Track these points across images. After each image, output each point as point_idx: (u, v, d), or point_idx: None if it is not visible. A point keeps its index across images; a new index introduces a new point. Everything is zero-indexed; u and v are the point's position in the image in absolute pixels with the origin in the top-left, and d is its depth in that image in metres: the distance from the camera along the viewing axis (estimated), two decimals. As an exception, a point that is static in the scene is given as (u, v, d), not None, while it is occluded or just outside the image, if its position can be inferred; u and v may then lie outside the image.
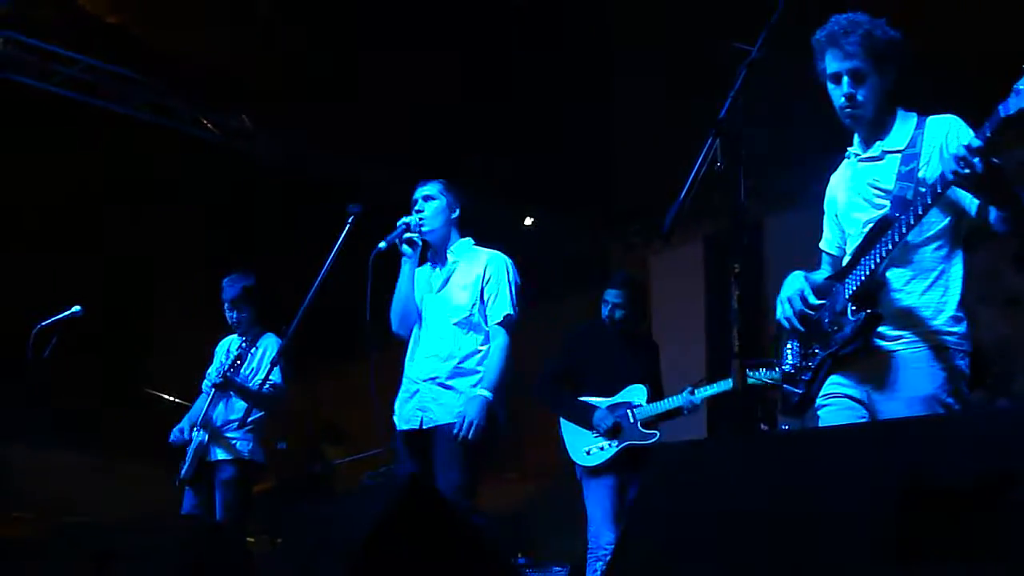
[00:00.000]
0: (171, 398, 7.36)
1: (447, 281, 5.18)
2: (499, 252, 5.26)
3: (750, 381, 6.46)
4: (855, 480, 2.04)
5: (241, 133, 9.35)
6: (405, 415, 5.07)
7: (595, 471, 6.16)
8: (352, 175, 9.47)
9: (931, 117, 3.57)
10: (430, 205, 5.20)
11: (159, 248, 9.97)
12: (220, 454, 6.40)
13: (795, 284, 3.71)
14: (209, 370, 6.76)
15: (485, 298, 5.10)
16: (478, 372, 5.00)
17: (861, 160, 3.66)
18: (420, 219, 5.15)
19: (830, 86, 3.59)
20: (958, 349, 3.44)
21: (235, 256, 7.60)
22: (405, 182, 9.61)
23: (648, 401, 6.30)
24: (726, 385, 6.24)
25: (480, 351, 5.05)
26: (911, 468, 1.95)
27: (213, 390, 6.39)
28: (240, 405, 6.34)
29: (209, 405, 6.41)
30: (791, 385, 3.75)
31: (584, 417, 6.26)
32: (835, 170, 3.87)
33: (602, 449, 6.19)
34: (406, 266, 5.18)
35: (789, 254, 9.10)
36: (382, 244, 5.06)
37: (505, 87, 8.39)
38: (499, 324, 5.07)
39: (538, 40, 7.82)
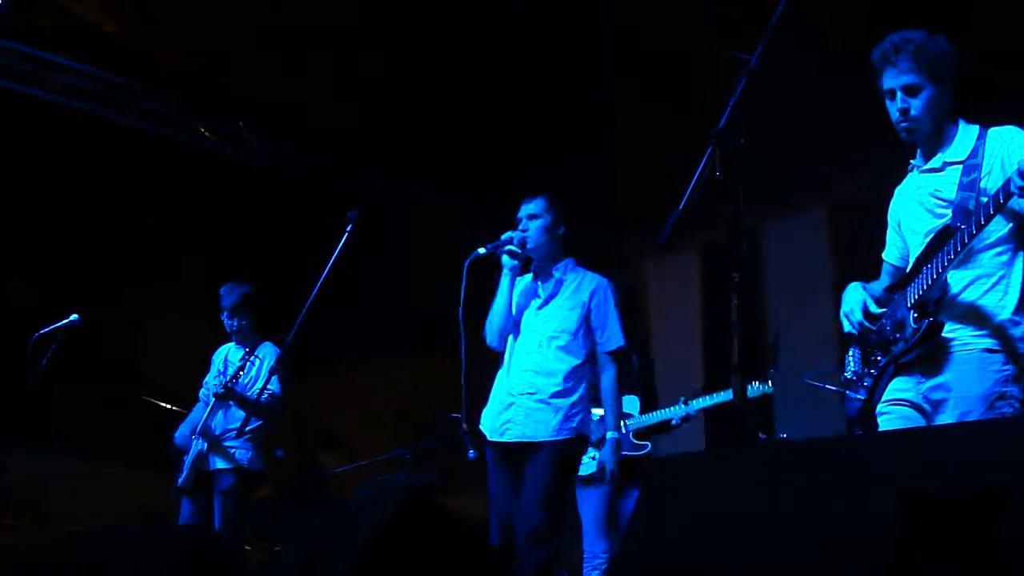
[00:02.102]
0: (168, 406, 7.35)
1: (551, 299, 5.16)
2: (601, 276, 5.27)
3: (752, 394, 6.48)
4: (853, 491, 2.05)
5: (236, 140, 9.35)
6: (497, 427, 5.06)
7: (587, 480, 6.10)
8: (350, 181, 9.47)
9: (992, 128, 3.59)
10: (534, 224, 5.19)
11: (155, 255, 9.97)
12: (219, 463, 6.39)
13: (856, 296, 3.79)
14: (207, 378, 6.75)
15: (592, 324, 5.10)
16: (574, 391, 5.00)
17: (922, 171, 3.69)
18: (524, 237, 5.15)
19: (887, 102, 3.62)
20: (1016, 351, 3.44)
21: (232, 263, 7.61)
22: (403, 187, 9.75)
23: (641, 412, 6.30)
24: (722, 397, 6.24)
25: (577, 372, 5.04)
26: (907, 479, 1.95)
27: (213, 399, 6.39)
28: (239, 414, 6.34)
29: (208, 415, 6.40)
30: (852, 391, 3.83)
31: None
32: (900, 183, 3.88)
33: (593, 459, 6.16)
34: (505, 280, 5.18)
35: (786, 262, 9.21)
36: (482, 250, 5.08)
37: (504, 94, 8.40)
38: (610, 354, 5.11)
39: (537, 48, 7.83)
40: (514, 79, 8.19)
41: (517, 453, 4.96)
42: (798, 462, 2.29)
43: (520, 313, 5.19)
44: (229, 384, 6.30)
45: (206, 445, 6.39)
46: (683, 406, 6.21)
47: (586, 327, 5.09)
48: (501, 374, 5.19)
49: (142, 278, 10.07)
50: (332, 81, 8.49)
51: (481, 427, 5.14)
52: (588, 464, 6.13)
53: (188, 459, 6.38)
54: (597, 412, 6.30)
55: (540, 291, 5.20)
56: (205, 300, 6.94)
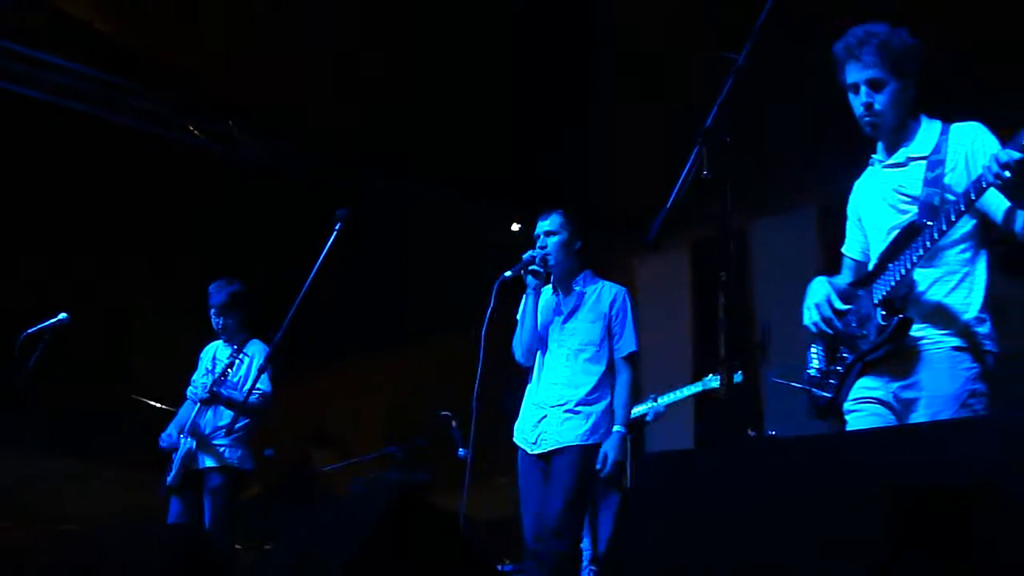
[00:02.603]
0: (158, 404, 7.35)
1: (574, 313, 5.36)
2: (620, 286, 5.48)
3: (705, 387, 6.60)
4: (840, 488, 2.06)
5: (227, 139, 9.33)
6: (531, 438, 5.26)
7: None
8: (340, 179, 9.46)
9: (955, 124, 3.59)
10: (552, 240, 5.38)
11: (145, 253, 9.96)
12: (208, 462, 6.38)
13: (821, 290, 3.75)
14: (194, 376, 6.74)
15: (613, 332, 5.31)
16: (601, 399, 5.22)
17: (885, 166, 3.70)
18: (544, 254, 5.33)
19: (850, 96, 3.63)
20: (982, 349, 3.47)
21: (223, 262, 7.60)
22: (395, 185, 9.74)
23: None
24: (689, 390, 6.38)
25: (603, 381, 5.26)
26: (895, 476, 1.97)
27: (199, 401, 6.38)
28: (228, 413, 6.34)
29: (197, 413, 6.40)
30: (819, 389, 3.81)
31: None
32: (858, 177, 3.90)
33: None
34: (530, 299, 5.38)
35: (774, 260, 9.22)
36: (507, 273, 5.29)
37: (491, 93, 8.40)
38: (625, 359, 5.31)
39: (523, 45, 7.83)
40: (498, 78, 8.19)
41: (549, 457, 5.19)
42: (786, 459, 2.31)
43: (545, 328, 5.39)
44: (214, 388, 6.29)
45: (195, 444, 6.38)
46: (653, 403, 6.32)
47: (608, 336, 5.31)
48: (531, 387, 5.41)
49: (133, 276, 10.06)
50: (324, 80, 8.48)
51: (515, 439, 5.36)
52: None
53: (177, 458, 6.37)
54: None
55: (563, 306, 5.41)
56: (195, 299, 6.94)
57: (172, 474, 6.37)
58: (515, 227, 10.61)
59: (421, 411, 9.12)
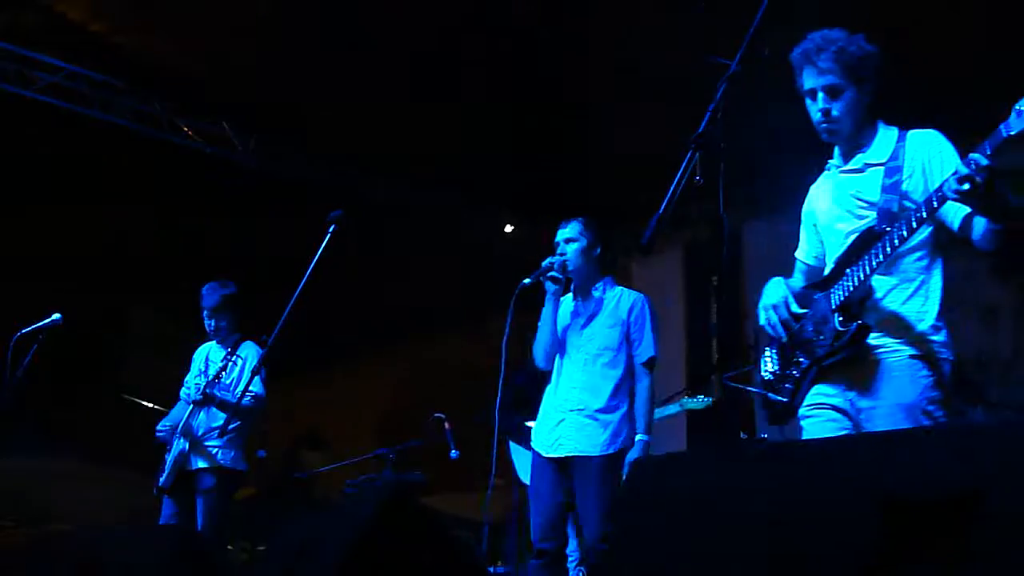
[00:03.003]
0: (150, 405, 7.34)
1: (593, 318, 5.41)
2: (639, 292, 5.55)
3: (684, 407, 6.67)
4: (832, 492, 2.07)
5: (221, 139, 9.34)
6: (548, 442, 5.30)
7: None
8: (334, 181, 9.47)
9: (912, 131, 3.60)
10: (571, 247, 5.44)
11: (137, 254, 9.96)
12: (201, 463, 6.37)
13: (778, 291, 3.75)
14: (187, 377, 6.74)
15: (631, 338, 5.36)
16: (619, 407, 5.26)
17: (842, 172, 3.69)
18: (563, 261, 5.38)
19: (807, 102, 3.62)
20: (940, 357, 3.47)
21: (217, 263, 7.60)
22: (389, 187, 9.75)
23: None
24: (669, 410, 6.50)
25: (621, 386, 5.31)
26: (886, 481, 1.97)
27: (191, 403, 6.38)
28: (221, 414, 6.33)
29: (190, 414, 6.39)
30: (773, 393, 3.78)
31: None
32: (814, 182, 3.89)
33: None
34: (549, 304, 5.42)
35: (767, 262, 9.22)
36: (527, 280, 5.31)
37: (486, 93, 8.41)
38: (644, 365, 5.35)
39: (517, 47, 7.85)
40: (493, 79, 8.20)
41: (567, 464, 5.22)
42: (777, 463, 2.31)
43: (564, 333, 5.44)
44: (207, 390, 6.28)
45: (188, 445, 6.38)
46: None
47: (626, 342, 5.36)
48: (549, 391, 5.46)
49: (125, 277, 10.06)
50: (319, 81, 8.48)
51: (532, 443, 5.42)
52: None
53: (170, 458, 6.37)
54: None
55: (582, 311, 5.46)
56: (188, 299, 6.94)
57: (164, 475, 6.36)
58: (508, 229, 10.64)
59: (414, 412, 9.13)
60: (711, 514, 2.29)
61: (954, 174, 3.07)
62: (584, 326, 5.40)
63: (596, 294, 5.46)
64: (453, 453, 7.44)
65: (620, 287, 5.55)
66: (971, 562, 1.75)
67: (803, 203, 3.96)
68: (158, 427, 6.56)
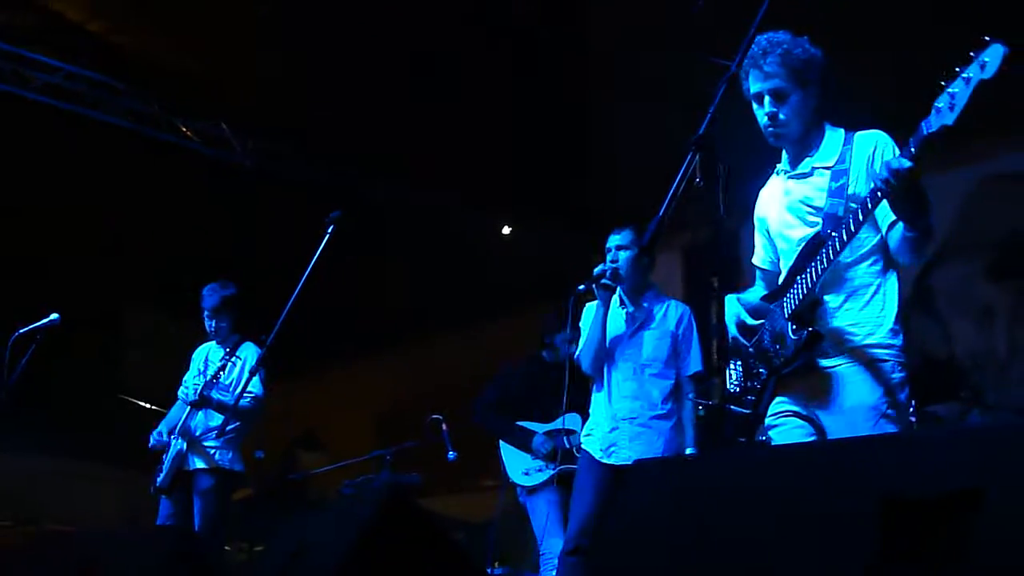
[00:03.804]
0: (148, 405, 7.33)
1: (643, 328, 5.45)
2: (685, 305, 5.60)
3: None
4: (830, 495, 2.07)
5: (219, 140, 9.33)
6: (603, 446, 5.34)
7: (533, 490, 6.51)
8: (332, 182, 9.46)
9: (858, 133, 3.58)
10: (624, 255, 5.45)
11: (136, 254, 9.95)
12: (199, 463, 6.36)
13: (731, 309, 3.73)
14: (185, 377, 6.73)
15: (679, 351, 5.44)
16: (672, 415, 5.35)
17: (790, 176, 3.67)
18: (615, 269, 5.39)
19: (754, 106, 3.60)
20: (897, 361, 3.45)
21: (215, 263, 7.59)
22: (386, 188, 9.75)
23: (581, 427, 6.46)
24: None
25: (671, 395, 5.38)
26: (884, 484, 1.97)
27: (188, 404, 6.37)
28: (219, 415, 6.32)
29: (188, 415, 6.38)
30: (737, 406, 3.75)
31: (524, 441, 6.58)
32: (763, 186, 3.87)
33: (540, 471, 6.50)
34: (600, 311, 5.41)
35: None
36: (580, 287, 5.39)
37: (482, 95, 8.41)
38: (691, 378, 5.43)
39: (514, 50, 7.85)
40: (488, 81, 8.21)
41: (619, 470, 5.23)
42: (776, 466, 2.32)
43: (613, 342, 5.46)
44: (204, 391, 6.28)
45: (185, 445, 6.37)
46: None
47: (674, 354, 5.43)
48: (602, 399, 5.47)
49: (124, 277, 10.04)
50: (317, 81, 8.48)
51: (584, 446, 5.45)
52: (535, 475, 6.52)
53: (168, 459, 6.36)
54: (529, 425, 6.63)
55: (631, 320, 5.48)
56: (187, 300, 6.94)
57: (162, 475, 6.35)
58: (506, 230, 10.63)
59: (412, 414, 9.13)
60: (709, 517, 2.29)
61: (880, 173, 3.08)
62: (633, 335, 5.44)
63: (645, 304, 5.50)
64: (451, 454, 7.44)
65: (668, 298, 5.61)
66: (970, 562, 1.75)
67: (755, 208, 3.91)
68: (153, 434, 6.55)
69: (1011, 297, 7.77)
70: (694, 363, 5.43)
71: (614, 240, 5.50)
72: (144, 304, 10.70)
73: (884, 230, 3.42)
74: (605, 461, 5.29)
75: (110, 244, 9.63)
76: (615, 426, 5.31)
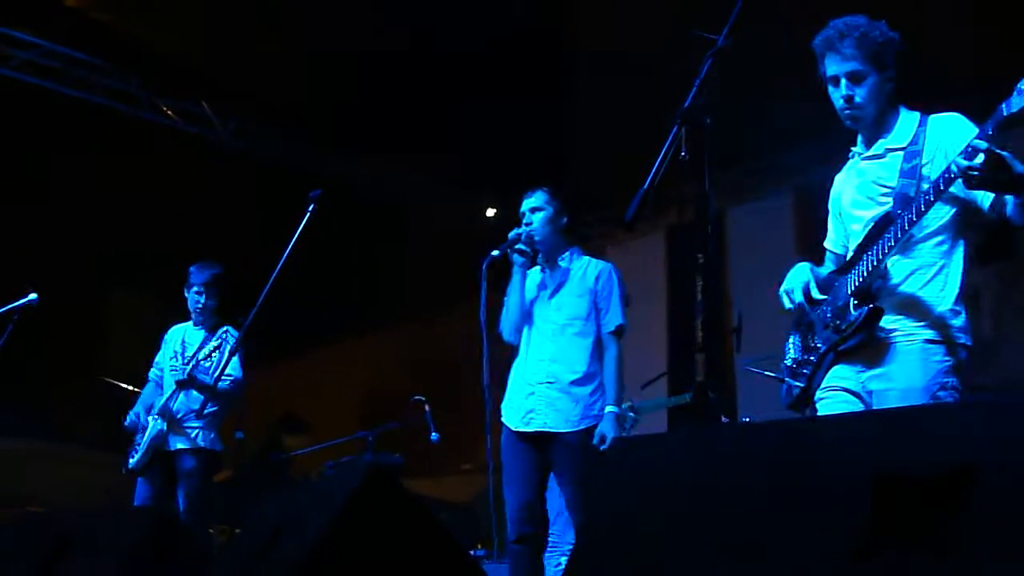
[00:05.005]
0: (128, 387, 7.29)
1: (560, 288, 5.32)
2: (607, 262, 5.46)
3: (678, 403, 6.67)
4: (815, 472, 2.05)
5: (200, 119, 9.27)
6: (521, 416, 5.19)
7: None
8: (312, 161, 9.42)
9: (933, 115, 3.61)
10: (537, 216, 5.34)
11: (113, 234, 9.88)
12: (180, 444, 6.32)
13: (801, 276, 3.75)
14: (158, 358, 6.69)
15: (599, 307, 5.26)
16: (589, 377, 5.17)
17: (864, 158, 3.70)
18: (530, 232, 5.29)
19: (830, 89, 3.63)
20: (956, 342, 3.46)
21: (195, 244, 7.54)
22: (366, 167, 9.71)
23: None
24: (665, 402, 6.49)
25: (592, 357, 5.21)
26: (870, 461, 1.95)
27: (174, 383, 6.32)
28: (200, 395, 6.28)
29: (170, 396, 6.34)
30: (793, 379, 3.80)
31: None
32: (840, 170, 3.89)
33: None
34: (516, 276, 5.33)
35: (749, 247, 9.24)
36: (495, 252, 5.27)
37: (463, 76, 8.37)
38: (612, 334, 5.25)
39: (495, 30, 7.81)
40: (470, 62, 8.17)
41: (540, 440, 5.13)
42: (760, 443, 2.29)
43: (532, 305, 5.34)
44: (192, 372, 6.24)
45: (166, 425, 6.32)
46: (631, 413, 6.45)
47: (595, 311, 5.26)
48: (519, 363, 5.35)
49: (103, 257, 9.98)
50: (297, 61, 8.43)
51: (502, 418, 5.28)
52: None
53: (144, 440, 6.30)
54: None
55: (549, 281, 5.36)
56: (166, 280, 6.88)
57: (138, 456, 6.30)
58: (490, 212, 10.60)
59: (394, 395, 9.10)
60: (691, 494, 2.27)
61: (960, 154, 3.09)
62: (551, 296, 5.30)
63: (563, 264, 5.35)
64: (433, 436, 7.41)
65: (587, 256, 5.45)
66: (965, 539, 1.73)
67: (830, 192, 3.93)
68: (129, 414, 6.50)
69: (996, 280, 7.80)
70: (614, 317, 5.24)
71: (528, 203, 5.38)
72: (123, 284, 10.63)
73: (987, 204, 3.39)
74: (523, 430, 5.13)
75: (89, 224, 9.55)
76: (532, 391, 5.16)
